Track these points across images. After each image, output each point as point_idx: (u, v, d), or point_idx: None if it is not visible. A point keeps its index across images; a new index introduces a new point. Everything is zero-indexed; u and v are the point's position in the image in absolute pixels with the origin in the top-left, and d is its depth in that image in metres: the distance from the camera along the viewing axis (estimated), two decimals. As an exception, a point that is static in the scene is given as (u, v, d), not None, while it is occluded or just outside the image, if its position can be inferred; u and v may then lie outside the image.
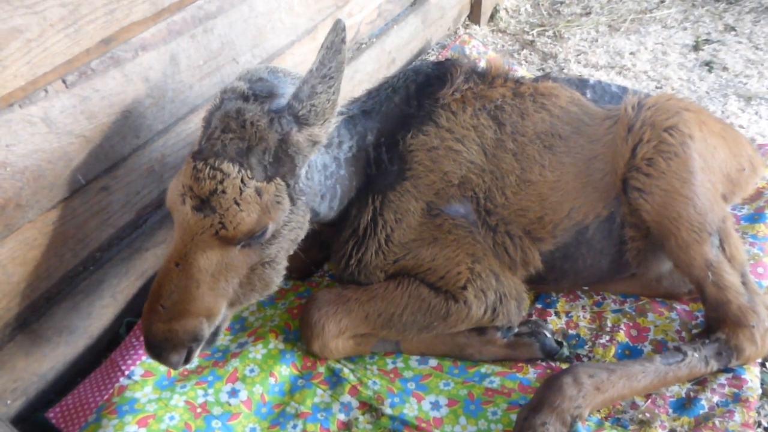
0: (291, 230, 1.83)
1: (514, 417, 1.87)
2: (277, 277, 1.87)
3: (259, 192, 1.68)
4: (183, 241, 1.68)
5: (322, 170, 1.93)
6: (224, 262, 1.72)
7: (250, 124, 1.67)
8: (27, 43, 1.69)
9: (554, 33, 4.16)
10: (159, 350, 1.69)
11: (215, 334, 1.82)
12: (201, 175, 1.65)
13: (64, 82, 1.84)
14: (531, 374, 2.05)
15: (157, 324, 1.67)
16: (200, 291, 1.69)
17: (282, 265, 1.88)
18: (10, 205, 1.78)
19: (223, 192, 1.64)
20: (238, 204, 1.65)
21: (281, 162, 1.72)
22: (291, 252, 1.91)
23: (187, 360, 1.74)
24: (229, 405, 1.96)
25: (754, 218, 2.50)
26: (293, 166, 1.75)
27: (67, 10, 1.76)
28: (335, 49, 1.64)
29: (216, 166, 1.64)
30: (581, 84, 2.29)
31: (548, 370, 2.06)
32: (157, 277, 1.70)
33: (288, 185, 1.75)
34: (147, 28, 2.04)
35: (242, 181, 1.65)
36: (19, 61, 1.68)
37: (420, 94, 2.16)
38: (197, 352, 1.77)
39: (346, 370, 2.09)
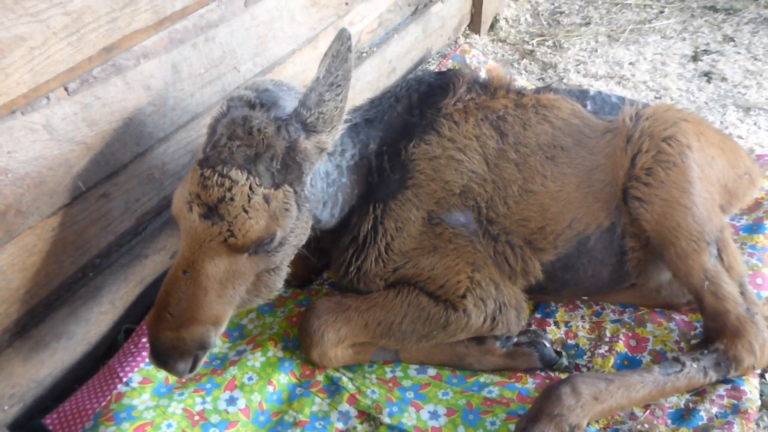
0: (296, 236, 1.84)
1: (512, 427, 1.87)
2: (280, 283, 1.88)
3: (267, 199, 1.68)
4: (190, 249, 1.67)
5: (324, 178, 1.94)
6: (232, 270, 1.71)
7: (257, 131, 1.67)
8: (30, 51, 1.69)
9: (554, 43, 4.18)
10: (166, 358, 1.68)
11: None
12: (209, 182, 1.64)
13: (66, 89, 1.84)
14: (530, 384, 2.04)
15: (165, 332, 1.66)
16: (208, 298, 1.69)
17: (285, 270, 1.89)
18: (10, 211, 1.79)
19: (231, 199, 1.63)
20: (246, 211, 1.64)
21: (289, 169, 1.72)
22: (292, 257, 1.91)
23: (193, 368, 1.74)
24: (227, 413, 1.95)
25: (753, 228, 2.50)
26: (300, 173, 1.76)
27: (70, 19, 1.77)
28: (342, 58, 1.64)
29: (224, 173, 1.64)
30: (582, 95, 2.30)
31: (547, 380, 2.06)
32: (164, 285, 1.70)
33: (295, 192, 1.75)
34: (149, 36, 2.05)
35: (250, 188, 1.65)
36: (21, 69, 1.69)
37: (422, 103, 2.17)
38: (203, 360, 1.76)
39: (344, 379, 2.09)
